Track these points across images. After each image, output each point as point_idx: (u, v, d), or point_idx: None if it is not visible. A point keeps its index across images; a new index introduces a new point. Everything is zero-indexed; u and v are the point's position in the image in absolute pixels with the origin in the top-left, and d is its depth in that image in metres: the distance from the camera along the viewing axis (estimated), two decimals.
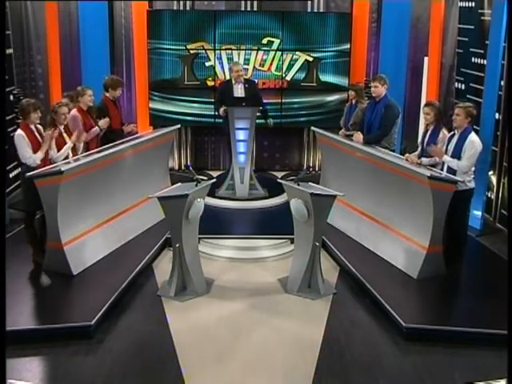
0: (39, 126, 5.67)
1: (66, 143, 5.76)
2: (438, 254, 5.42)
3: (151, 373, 4.12)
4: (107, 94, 6.68)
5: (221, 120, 7.77)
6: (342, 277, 5.66)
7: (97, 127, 6.32)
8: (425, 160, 5.72)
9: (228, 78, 8.28)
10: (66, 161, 5.61)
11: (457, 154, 5.43)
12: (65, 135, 5.80)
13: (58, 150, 5.70)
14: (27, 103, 5.54)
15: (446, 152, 5.54)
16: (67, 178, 5.20)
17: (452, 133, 5.59)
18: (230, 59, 8.45)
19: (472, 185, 5.50)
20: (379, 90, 6.36)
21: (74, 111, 6.19)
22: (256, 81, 8.19)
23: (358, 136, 6.44)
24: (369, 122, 6.47)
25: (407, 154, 5.90)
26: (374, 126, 6.40)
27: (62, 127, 5.76)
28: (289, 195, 5.43)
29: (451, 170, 5.44)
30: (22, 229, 6.46)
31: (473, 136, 5.43)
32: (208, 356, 4.34)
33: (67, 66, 8.37)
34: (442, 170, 5.54)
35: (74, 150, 5.92)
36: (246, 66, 8.34)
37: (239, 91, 7.46)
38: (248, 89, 7.48)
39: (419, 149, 5.93)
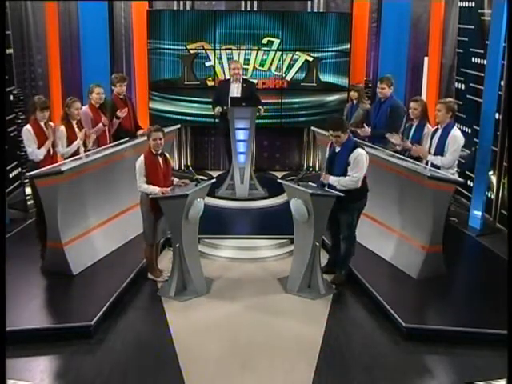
0: (51, 123, 5.68)
1: (77, 138, 5.79)
2: (438, 253, 5.42)
3: (151, 373, 4.12)
4: (115, 91, 6.66)
5: (217, 120, 7.79)
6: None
7: (100, 124, 6.30)
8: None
9: (228, 77, 8.30)
10: (73, 158, 5.64)
11: (440, 149, 5.62)
12: (77, 130, 5.81)
13: (70, 145, 5.73)
14: (38, 100, 5.57)
15: (429, 146, 5.72)
16: (67, 178, 5.20)
17: (435, 128, 5.74)
18: (230, 59, 8.44)
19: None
20: (386, 91, 6.45)
21: (86, 107, 6.24)
22: (255, 81, 8.18)
23: (366, 129, 6.50)
24: (374, 122, 6.51)
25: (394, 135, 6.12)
26: (379, 127, 6.44)
27: (74, 122, 5.79)
28: (289, 195, 5.43)
29: (435, 164, 5.63)
30: (22, 229, 6.49)
31: (455, 131, 5.63)
32: (208, 356, 4.34)
33: (67, 66, 8.36)
34: (426, 163, 5.73)
35: (85, 145, 5.94)
36: (245, 66, 8.34)
37: (235, 90, 7.44)
38: (245, 88, 7.46)
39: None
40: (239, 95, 7.40)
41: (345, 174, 5.16)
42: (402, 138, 6.22)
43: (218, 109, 7.35)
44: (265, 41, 8.47)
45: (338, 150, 5.28)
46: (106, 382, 4.03)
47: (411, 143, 5.94)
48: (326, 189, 5.24)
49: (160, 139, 5.25)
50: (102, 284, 5.25)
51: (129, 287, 5.27)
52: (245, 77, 7.76)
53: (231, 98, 7.30)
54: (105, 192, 5.87)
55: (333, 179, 5.21)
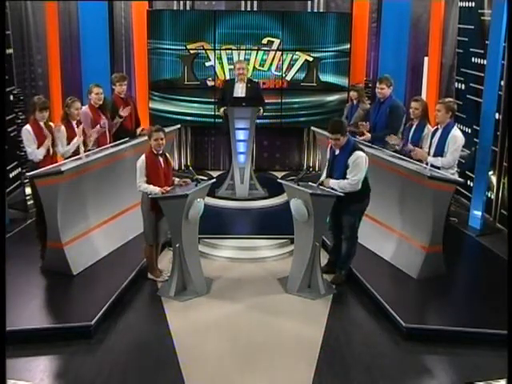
0: (51, 123, 5.68)
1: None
2: (437, 253, 5.42)
3: (151, 373, 4.12)
4: (115, 91, 6.61)
5: (221, 120, 7.78)
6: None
7: (98, 126, 6.28)
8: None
9: (229, 77, 8.30)
10: (73, 158, 5.63)
11: (440, 149, 5.62)
12: (77, 130, 5.81)
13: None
14: (37, 100, 5.56)
15: (429, 146, 5.71)
16: (67, 178, 5.20)
17: (435, 128, 5.74)
18: (230, 59, 8.45)
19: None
20: (385, 91, 6.43)
21: (86, 107, 6.23)
22: (257, 81, 8.18)
23: (367, 136, 6.49)
24: (374, 122, 6.50)
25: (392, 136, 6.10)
26: (379, 127, 6.44)
27: (74, 122, 5.79)
28: (289, 195, 5.43)
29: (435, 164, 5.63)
30: (22, 229, 6.49)
31: (455, 131, 5.63)
32: (208, 356, 4.34)
33: (67, 66, 8.36)
34: (426, 164, 5.70)
35: (86, 145, 5.94)
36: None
37: (239, 91, 7.44)
38: (249, 89, 7.46)
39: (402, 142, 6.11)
40: (244, 95, 7.40)
41: (345, 177, 5.16)
42: (402, 138, 6.21)
43: (224, 109, 7.34)
44: (265, 41, 8.47)
45: (337, 152, 5.28)
46: (105, 382, 4.03)
47: (411, 143, 5.93)
48: (326, 188, 5.24)
49: (161, 139, 5.26)
50: (102, 284, 5.25)
51: (129, 287, 5.27)
52: (248, 76, 7.75)
53: (233, 97, 7.31)
54: (105, 192, 5.87)
55: (333, 182, 5.21)
